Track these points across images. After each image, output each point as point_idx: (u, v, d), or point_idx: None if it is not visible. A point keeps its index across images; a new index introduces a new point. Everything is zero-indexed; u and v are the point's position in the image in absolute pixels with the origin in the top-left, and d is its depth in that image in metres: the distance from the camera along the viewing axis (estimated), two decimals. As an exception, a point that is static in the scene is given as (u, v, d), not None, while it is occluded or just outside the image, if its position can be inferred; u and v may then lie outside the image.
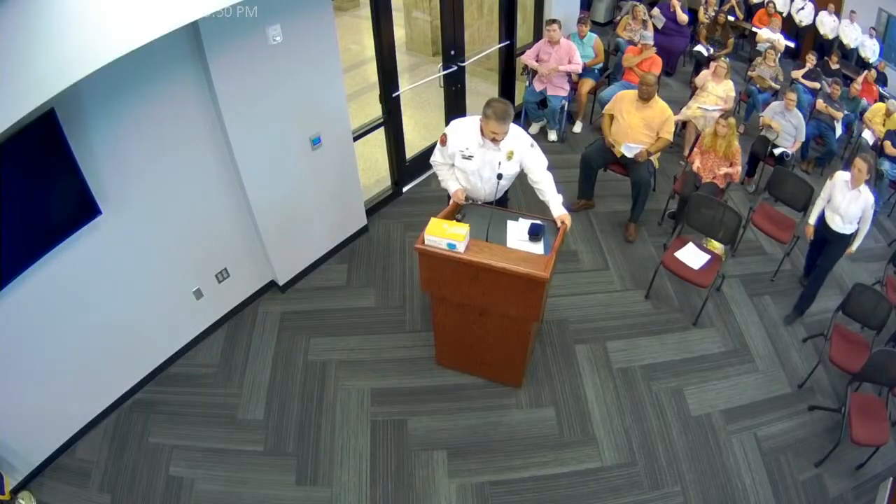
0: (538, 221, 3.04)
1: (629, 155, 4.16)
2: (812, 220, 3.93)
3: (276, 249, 3.69)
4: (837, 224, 3.73)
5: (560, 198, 3.13)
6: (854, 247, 3.83)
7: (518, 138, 3.03)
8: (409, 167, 4.63)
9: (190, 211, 3.15)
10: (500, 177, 3.00)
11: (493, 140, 2.92)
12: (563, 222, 3.02)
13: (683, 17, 6.56)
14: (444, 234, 2.69)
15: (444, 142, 3.09)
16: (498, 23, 5.06)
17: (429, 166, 3.37)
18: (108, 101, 2.53)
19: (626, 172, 4.36)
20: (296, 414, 3.25)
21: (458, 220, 2.88)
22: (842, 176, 3.70)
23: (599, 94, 5.51)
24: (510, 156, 3.04)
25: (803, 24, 7.79)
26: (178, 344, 3.49)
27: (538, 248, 2.92)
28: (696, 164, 4.36)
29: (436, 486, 2.96)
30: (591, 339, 3.69)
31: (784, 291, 4.12)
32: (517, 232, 3.00)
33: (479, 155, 3.04)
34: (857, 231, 3.75)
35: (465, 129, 3.04)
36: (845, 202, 3.65)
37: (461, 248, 2.71)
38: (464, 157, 3.07)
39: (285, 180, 3.50)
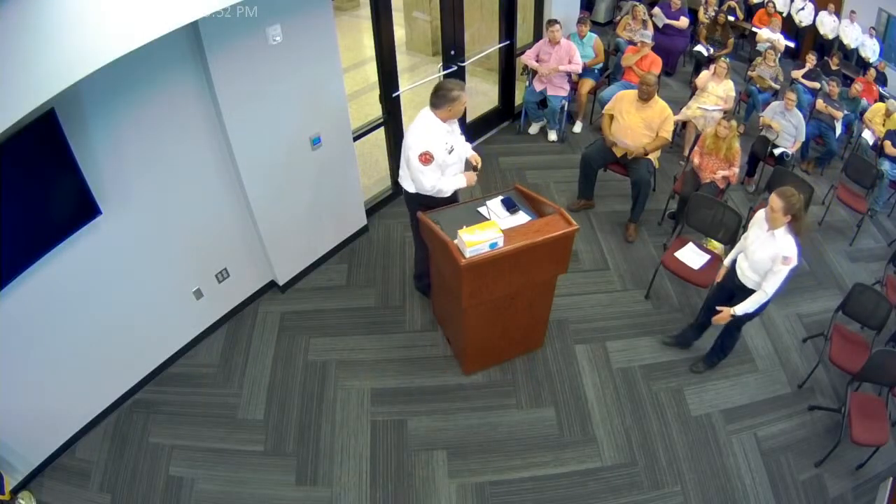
0: (503, 196, 3.16)
1: (622, 145, 4.15)
2: (727, 260, 3.27)
3: (276, 249, 3.69)
4: (744, 271, 3.03)
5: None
6: (738, 309, 2.94)
7: None
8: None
9: (190, 211, 3.15)
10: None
11: (457, 115, 3.04)
12: (477, 160, 3.28)
13: (682, 23, 6.57)
14: (483, 240, 2.69)
15: (429, 160, 2.99)
16: (498, 23, 5.07)
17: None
18: (108, 102, 2.53)
19: (626, 172, 4.36)
20: (296, 414, 3.25)
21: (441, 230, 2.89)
22: (762, 213, 2.97)
23: (599, 94, 5.51)
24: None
25: (803, 24, 7.80)
26: (178, 344, 3.49)
27: (524, 216, 3.05)
28: (696, 161, 4.35)
29: (436, 486, 2.96)
30: (591, 339, 3.69)
31: (784, 291, 4.10)
32: (496, 212, 3.06)
33: (453, 140, 3.11)
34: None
35: (432, 131, 3.01)
36: (754, 244, 2.95)
37: (501, 241, 2.73)
38: (449, 153, 3.09)
39: (285, 180, 3.50)
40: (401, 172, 3.28)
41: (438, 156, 3.02)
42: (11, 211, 2.26)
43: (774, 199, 2.75)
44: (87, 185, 2.53)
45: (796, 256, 2.81)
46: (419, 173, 3.04)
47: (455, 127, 3.14)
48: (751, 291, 3.00)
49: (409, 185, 3.22)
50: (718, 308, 3.09)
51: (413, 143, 3.01)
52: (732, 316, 3.01)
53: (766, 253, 2.86)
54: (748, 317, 3.08)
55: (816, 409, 3.39)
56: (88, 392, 3.09)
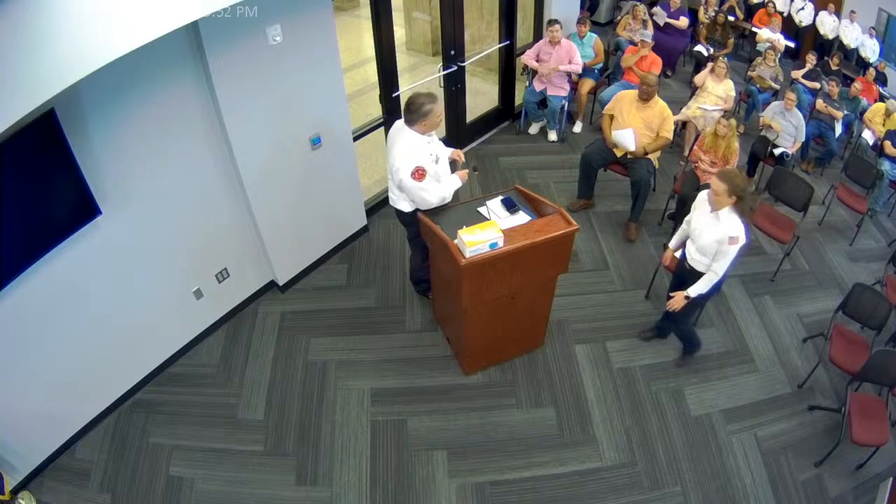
0: (503, 196, 3.16)
1: (620, 141, 4.15)
2: (672, 242, 3.30)
3: (276, 249, 3.69)
4: (692, 254, 3.05)
5: None
6: (691, 291, 2.98)
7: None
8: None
9: (190, 211, 3.15)
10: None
11: (434, 127, 3.02)
12: (459, 156, 3.32)
13: (682, 23, 6.57)
14: (483, 240, 2.69)
15: (423, 175, 2.95)
16: (498, 23, 5.06)
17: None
18: (108, 102, 2.53)
19: (626, 172, 4.36)
20: (296, 414, 3.25)
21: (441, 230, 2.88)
22: (704, 195, 2.98)
23: (599, 94, 5.52)
24: None
25: (803, 24, 7.80)
26: (178, 344, 3.49)
27: (524, 216, 3.05)
28: (700, 156, 4.35)
29: (436, 486, 2.96)
30: (591, 339, 3.69)
31: (784, 291, 4.13)
32: (497, 212, 3.06)
33: (433, 149, 3.09)
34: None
35: (414, 147, 2.97)
36: (699, 227, 2.97)
37: (501, 241, 2.73)
38: (436, 163, 3.08)
39: (285, 180, 3.50)
40: (391, 195, 3.23)
41: (429, 168, 3.00)
42: (11, 211, 2.26)
43: (716, 182, 2.77)
44: (87, 185, 2.53)
45: (743, 235, 2.83)
46: (420, 191, 2.98)
47: (433, 136, 3.11)
48: (700, 275, 3.02)
49: (404, 206, 3.18)
50: (671, 294, 3.12)
51: (401, 165, 2.93)
52: (687, 298, 3.02)
53: (712, 236, 2.88)
54: (701, 299, 3.09)
55: (816, 409, 3.39)
56: (88, 392, 3.09)
